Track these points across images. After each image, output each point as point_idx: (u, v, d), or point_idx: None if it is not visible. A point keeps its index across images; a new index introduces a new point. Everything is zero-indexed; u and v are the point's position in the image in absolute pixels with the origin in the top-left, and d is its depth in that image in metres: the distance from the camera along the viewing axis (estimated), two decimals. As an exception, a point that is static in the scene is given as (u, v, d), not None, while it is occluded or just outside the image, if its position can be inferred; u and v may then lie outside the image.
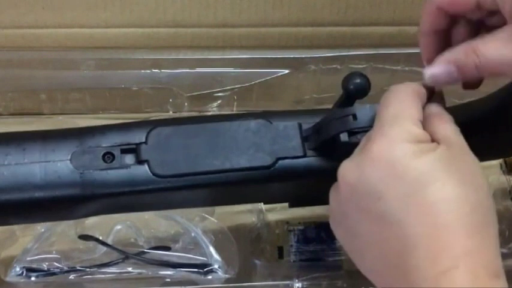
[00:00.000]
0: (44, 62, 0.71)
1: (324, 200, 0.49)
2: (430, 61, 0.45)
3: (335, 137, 0.49)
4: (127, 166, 0.50)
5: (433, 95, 0.47)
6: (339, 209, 0.45)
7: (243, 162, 0.51)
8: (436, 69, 0.44)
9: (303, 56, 0.72)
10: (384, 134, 0.42)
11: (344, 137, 0.48)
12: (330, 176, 0.46)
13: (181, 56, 0.72)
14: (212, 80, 0.71)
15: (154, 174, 0.50)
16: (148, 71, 0.71)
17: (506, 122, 0.52)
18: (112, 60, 0.71)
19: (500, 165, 0.73)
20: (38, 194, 0.49)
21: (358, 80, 0.50)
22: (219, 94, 0.71)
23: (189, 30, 0.72)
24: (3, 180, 0.49)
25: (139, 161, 0.50)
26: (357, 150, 0.44)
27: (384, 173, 0.41)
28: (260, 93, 0.71)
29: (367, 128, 0.46)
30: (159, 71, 0.71)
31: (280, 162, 0.51)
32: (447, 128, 0.44)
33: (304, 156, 0.51)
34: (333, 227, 0.47)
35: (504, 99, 0.51)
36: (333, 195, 0.46)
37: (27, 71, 0.71)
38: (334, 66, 0.71)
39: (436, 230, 0.39)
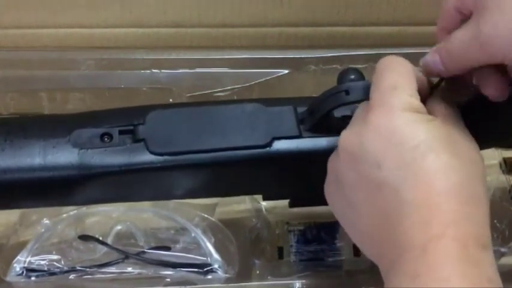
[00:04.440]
0: (44, 62, 0.71)
1: (324, 201, 0.49)
2: None
3: (329, 113, 0.49)
4: (124, 145, 0.51)
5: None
6: (336, 178, 0.46)
7: (238, 141, 0.51)
8: (428, 57, 0.46)
9: (303, 56, 0.72)
10: (383, 103, 0.43)
11: (338, 113, 0.48)
12: (326, 157, 0.47)
13: (181, 56, 0.72)
14: (212, 80, 0.71)
15: (151, 152, 0.50)
16: (148, 71, 0.71)
17: (501, 110, 0.52)
18: (112, 60, 0.71)
19: (500, 164, 0.73)
20: (37, 173, 0.50)
21: (352, 76, 0.50)
22: (219, 94, 0.71)
23: (189, 30, 0.72)
24: (3, 159, 0.50)
25: (137, 140, 0.51)
26: (354, 119, 0.45)
27: (383, 141, 0.42)
28: (260, 93, 0.71)
29: (360, 102, 0.47)
30: (159, 71, 0.71)
31: (276, 142, 0.51)
32: (446, 107, 0.45)
33: (300, 136, 0.52)
34: (328, 196, 0.48)
35: None
36: (331, 164, 0.47)
37: (27, 71, 0.71)
38: (334, 66, 0.71)
39: (429, 198, 0.40)
